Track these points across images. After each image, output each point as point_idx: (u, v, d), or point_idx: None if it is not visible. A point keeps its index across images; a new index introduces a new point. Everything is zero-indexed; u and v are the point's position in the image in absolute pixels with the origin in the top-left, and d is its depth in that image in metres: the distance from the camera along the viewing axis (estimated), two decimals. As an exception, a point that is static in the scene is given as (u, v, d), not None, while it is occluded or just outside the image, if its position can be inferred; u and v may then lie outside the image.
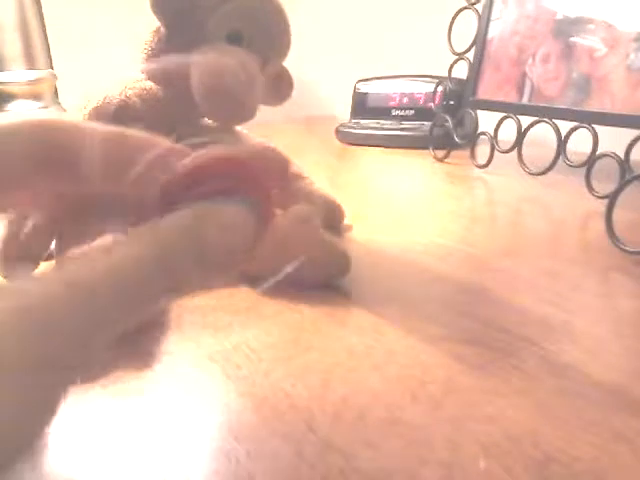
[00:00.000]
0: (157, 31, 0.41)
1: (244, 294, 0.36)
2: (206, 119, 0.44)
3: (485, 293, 0.37)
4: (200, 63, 0.40)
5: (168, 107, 0.42)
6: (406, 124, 0.94)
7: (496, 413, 0.24)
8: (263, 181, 0.19)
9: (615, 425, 0.23)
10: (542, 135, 0.66)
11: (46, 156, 0.18)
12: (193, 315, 0.33)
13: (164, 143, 0.20)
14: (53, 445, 0.22)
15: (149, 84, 0.42)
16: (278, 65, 0.47)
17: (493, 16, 0.69)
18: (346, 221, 0.51)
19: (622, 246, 0.41)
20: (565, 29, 0.61)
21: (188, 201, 0.17)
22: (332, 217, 0.50)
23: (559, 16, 0.62)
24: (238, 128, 0.48)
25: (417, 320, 0.33)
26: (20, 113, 0.91)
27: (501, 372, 0.27)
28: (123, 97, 0.40)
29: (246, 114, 0.42)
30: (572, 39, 0.60)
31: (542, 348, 0.29)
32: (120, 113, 0.40)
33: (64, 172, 0.19)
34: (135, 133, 0.20)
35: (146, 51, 0.42)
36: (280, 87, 0.49)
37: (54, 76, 0.96)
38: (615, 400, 0.25)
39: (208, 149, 0.18)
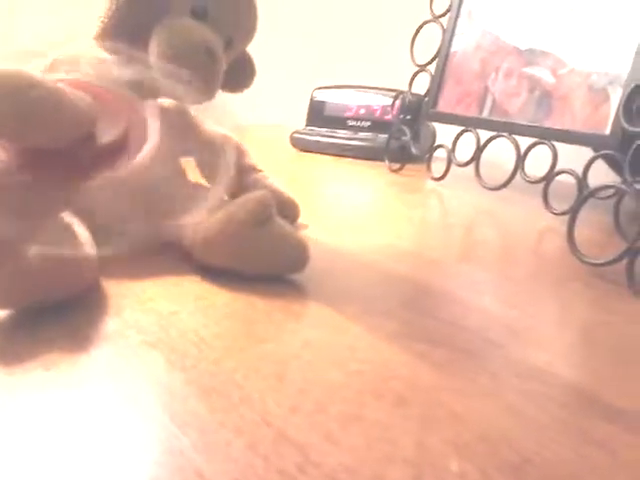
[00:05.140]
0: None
1: (193, 284, 0.34)
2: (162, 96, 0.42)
3: (446, 294, 0.35)
4: (161, 36, 0.38)
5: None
6: (361, 135, 0.93)
7: (465, 413, 0.22)
8: None
9: (589, 429, 0.22)
10: (500, 153, 0.66)
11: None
12: (133, 301, 0.30)
13: None
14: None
15: (106, 57, 0.39)
16: (241, 49, 0.45)
17: (457, 30, 0.69)
18: (300, 220, 0.49)
19: (584, 258, 0.40)
20: (527, 57, 0.61)
21: None
22: (287, 214, 0.47)
23: (521, 46, 0.62)
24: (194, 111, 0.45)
25: (378, 317, 0.31)
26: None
27: (467, 372, 0.26)
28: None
29: (204, 94, 0.40)
30: (534, 65, 0.60)
31: (508, 351, 0.28)
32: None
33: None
34: None
35: (103, 20, 0.39)
36: (240, 73, 0.46)
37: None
38: (586, 405, 0.24)
39: None
